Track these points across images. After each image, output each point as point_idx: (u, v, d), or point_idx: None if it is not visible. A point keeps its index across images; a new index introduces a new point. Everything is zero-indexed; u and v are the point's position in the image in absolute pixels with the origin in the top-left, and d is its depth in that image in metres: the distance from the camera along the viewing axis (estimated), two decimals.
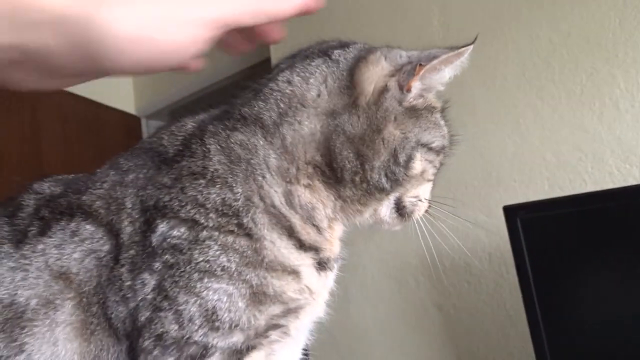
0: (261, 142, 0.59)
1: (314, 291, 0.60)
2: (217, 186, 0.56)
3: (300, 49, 0.66)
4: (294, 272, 0.58)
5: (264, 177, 0.58)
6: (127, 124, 2.57)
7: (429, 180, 0.66)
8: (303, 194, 0.60)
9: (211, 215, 0.55)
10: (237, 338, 0.54)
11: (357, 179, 0.60)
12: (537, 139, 1.42)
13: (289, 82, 0.61)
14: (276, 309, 0.57)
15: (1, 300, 0.54)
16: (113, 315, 0.54)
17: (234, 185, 0.57)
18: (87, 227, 0.57)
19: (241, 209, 0.56)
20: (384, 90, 0.60)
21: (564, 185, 1.37)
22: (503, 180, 1.47)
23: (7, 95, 1.89)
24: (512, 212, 1.16)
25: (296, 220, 0.59)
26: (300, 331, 0.62)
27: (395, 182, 0.61)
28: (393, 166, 0.60)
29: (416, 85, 0.61)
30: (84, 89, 2.42)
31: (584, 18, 1.36)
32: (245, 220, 0.55)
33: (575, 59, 1.37)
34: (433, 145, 0.63)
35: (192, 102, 2.82)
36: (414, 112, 0.61)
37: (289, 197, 0.59)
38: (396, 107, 0.60)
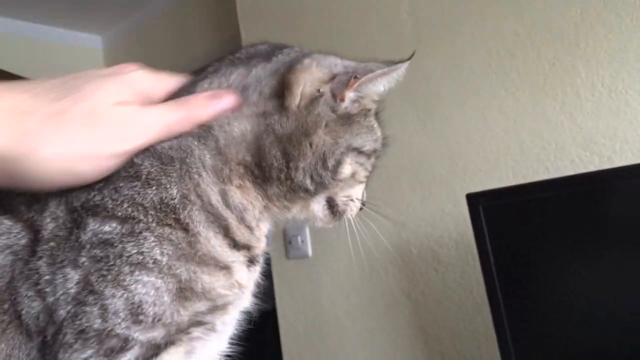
0: (195, 143, 0.59)
1: (243, 285, 0.60)
2: (153, 187, 0.56)
3: (229, 53, 0.66)
4: (226, 268, 0.58)
5: (200, 175, 0.58)
6: None
7: (360, 182, 0.67)
8: (235, 195, 0.60)
9: (150, 212, 0.55)
10: (158, 332, 0.54)
11: (282, 176, 0.60)
12: (501, 128, 1.44)
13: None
14: (202, 306, 0.56)
15: None
16: (24, 312, 0.53)
17: (168, 185, 0.56)
18: (5, 221, 0.56)
19: (178, 206, 0.56)
20: (317, 96, 0.60)
21: (528, 174, 1.39)
22: (469, 169, 1.49)
23: None
24: (474, 200, 1.18)
25: (232, 221, 0.59)
26: (227, 324, 0.62)
27: (321, 184, 0.61)
28: (320, 169, 0.60)
29: (350, 95, 0.61)
30: None
31: (548, 9, 1.38)
32: (182, 216, 0.56)
33: (538, 49, 1.39)
34: (364, 149, 0.63)
35: None
36: (347, 119, 0.62)
37: (224, 196, 0.59)
38: (328, 114, 0.61)
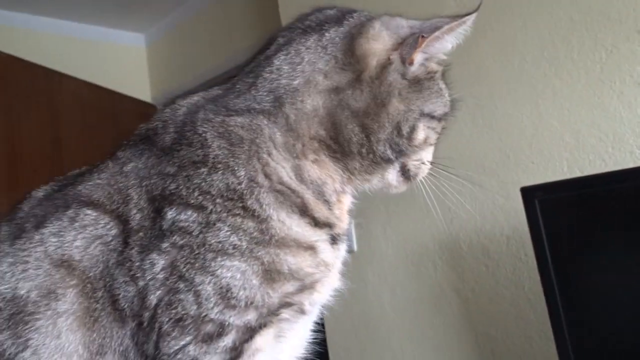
0: (265, 122, 0.59)
1: (329, 263, 0.61)
2: (220, 172, 0.57)
3: (300, 16, 0.66)
4: (311, 248, 0.59)
5: (269, 153, 0.58)
6: (143, 111, 2.59)
7: (431, 145, 0.67)
8: (312, 169, 0.61)
9: (217, 200, 0.56)
10: (251, 316, 0.56)
11: (364, 150, 0.60)
12: (555, 119, 1.39)
13: (279, 71, 0.61)
14: (290, 287, 0.58)
15: (4, 296, 0.55)
16: (121, 296, 0.55)
17: (236, 168, 0.57)
18: (89, 212, 0.57)
19: (245, 191, 0.56)
20: (387, 64, 0.60)
21: (583, 166, 1.34)
22: (521, 162, 1.44)
23: (27, 84, 1.92)
24: (529, 194, 1.14)
25: (309, 196, 0.60)
26: (315, 305, 0.63)
27: (400, 152, 0.62)
28: (397, 138, 0.61)
29: (418, 58, 0.61)
30: (101, 79, 2.45)
31: None
32: (249, 203, 0.56)
33: (595, 36, 1.33)
34: (435, 113, 0.64)
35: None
36: (417, 84, 0.61)
37: (298, 172, 0.60)
38: (399, 81, 0.60)
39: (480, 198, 1.51)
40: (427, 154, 0.68)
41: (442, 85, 0.66)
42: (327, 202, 0.61)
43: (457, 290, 1.58)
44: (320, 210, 0.60)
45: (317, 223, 0.60)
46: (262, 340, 0.57)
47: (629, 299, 1.07)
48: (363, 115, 0.59)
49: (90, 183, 0.60)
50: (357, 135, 0.60)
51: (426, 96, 0.62)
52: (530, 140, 1.43)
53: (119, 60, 3.02)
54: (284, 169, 0.59)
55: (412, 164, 0.66)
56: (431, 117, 0.63)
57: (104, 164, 0.62)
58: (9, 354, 0.53)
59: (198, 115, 0.61)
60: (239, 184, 0.57)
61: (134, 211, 0.57)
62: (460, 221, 1.55)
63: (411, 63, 0.60)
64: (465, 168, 1.55)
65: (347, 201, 0.66)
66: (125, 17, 3.03)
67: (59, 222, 0.57)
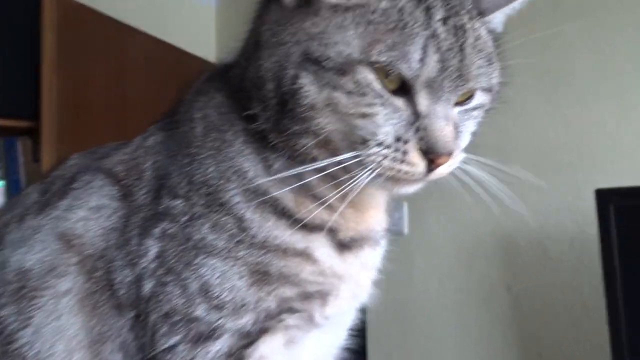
0: (235, 106, 0.55)
1: (341, 274, 0.55)
2: (197, 161, 0.53)
3: None
4: (302, 254, 0.53)
5: (233, 145, 0.54)
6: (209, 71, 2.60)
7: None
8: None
9: (201, 191, 0.53)
10: (245, 319, 0.52)
11: None
12: None
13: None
14: (287, 291, 0.53)
15: (13, 267, 0.54)
16: (118, 280, 0.53)
17: (208, 161, 0.53)
18: (99, 181, 0.56)
19: (220, 187, 0.52)
20: None
21: None
22: (598, 161, 1.36)
23: (97, 35, 1.95)
24: (605, 197, 1.07)
25: (286, 194, 0.52)
26: (332, 320, 0.57)
27: None
28: None
29: None
30: (168, 36, 2.46)
31: None
32: (225, 199, 0.52)
33: None
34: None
35: None
36: None
37: (267, 163, 0.54)
38: None
39: (548, 195, 1.43)
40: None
41: None
42: (318, 199, 0.52)
43: (508, 287, 1.52)
44: (307, 211, 0.52)
45: (304, 225, 0.52)
46: (267, 347, 0.53)
47: None
48: None
49: (114, 157, 0.58)
50: None
51: None
52: (611, 139, 1.34)
53: (189, 18, 3.04)
54: (252, 166, 0.54)
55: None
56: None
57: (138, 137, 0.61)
58: (12, 329, 0.53)
59: (200, 88, 0.58)
60: (213, 178, 0.53)
61: (143, 188, 0.55)
62: (520, 215, 1.47)
63: None
64: (536, 160, 1.47)
65: (372, 199, 0.57)
66: None
67: (73, 195, 0.56)
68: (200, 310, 0.51)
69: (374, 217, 0.58)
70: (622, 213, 1.05)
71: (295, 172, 0.51)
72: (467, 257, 1.60)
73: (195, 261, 0.51)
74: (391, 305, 1.78)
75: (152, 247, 0.53)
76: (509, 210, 1.54)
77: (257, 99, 0.52)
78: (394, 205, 1.97)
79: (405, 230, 1.77)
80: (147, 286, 0.52)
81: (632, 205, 1.06)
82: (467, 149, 0.55)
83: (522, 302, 1.49)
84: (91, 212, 0.55)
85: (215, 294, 0.51)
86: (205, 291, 0.51)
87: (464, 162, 0.53)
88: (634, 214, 1.06)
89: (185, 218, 0.52)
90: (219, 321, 0.51)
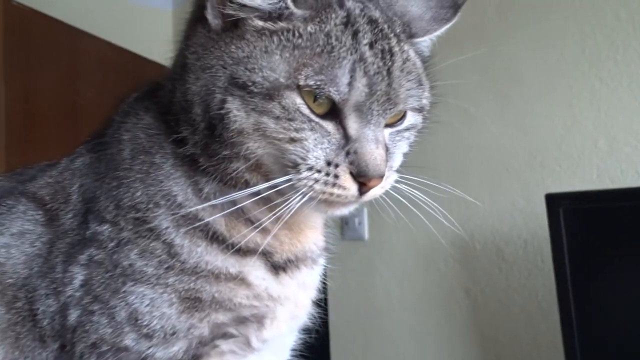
0: (163, 127, 0.53)
1: (277, 297, 0.54)
2: (125, 185, 0.51)
3: None
4: (235, 278, 0.51)
5: (162, 168, 0.52)
6: None
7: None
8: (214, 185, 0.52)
9: (129, 216, 0.51)
10: (177, 347, 0.50)
11: None
12: (590, 122, 1.32)
13: None
14: (220, 317, 0.51)
15: None
16: (41, 310, 0.51)
17: (136, 184, 0.51)
18: (22, 205, 0.53)
19: (148, 212, 0.51)
20: None
21: (615, 176, 1.27)
22: (547, 165, 1.38)
23: (47, 40, 1.88)
24: (555, 201, 1.09)
25: (218, 219, 0.51)
26: (271, 343, 0.55)
27: None
28: None
29: None
30: (123, 41, 2.40)
31: None
32: (153, 225, 0.50)
33: None
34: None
35: None
36: None
37: (197, 187, 0.52)
38: None
39: (500, 199, 1.45)
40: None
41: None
42: (252, 222, 0.52)
43: (466, 290, 1.53)
44: (240, 235, 0.51)
45: (239, 250, 0.51)
46: None
47: None
48: None
49: (40, 181, 0.56)
50: None
51: None
52: (560, 142, 1.36)
53: (144, 22, 2.97)
54: (181, 190, 0.52)
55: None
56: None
57: (65, 159, 0.58)
58: None
59: (124, 108, 0.57)
60: (141, 202, 0.51)
61: (69, 212, 0.53)
62: (476, 219, 1.49)
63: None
64: (487, 165, 1.49)
65: (307, 220, 0.56)
66: None
67: None
68: (129, 340, 0.49)
69: (310, 237, 0.58)
70: (571, 216, 1.07)
71: (229, 199, 0.50)
72: (426, 261, 1.61)
73: (124, 289, 0.49)
74: (353, 309, 1.78)
75: (78, 275, 0.50)
76: (465, 215, 1.56)
77: (186, 122, 0.50)
78: (354, 212, 1.96)
79: (366, 236, 1.78)
80: (73, 315, 0.50)
81: (580, 209, 1.08)
82: (399, 169, 0.55)
83: (480, 304, 1.50)
84: (13, 239, 0.52)
85: (145, 322, 0.49)
86: (134, 319, 0.49)
87: (397, 181, 0.53)
88: (582, 217, 1.08)
89: (113, 244, 0.50)
90: (149, 350, 0.49)
